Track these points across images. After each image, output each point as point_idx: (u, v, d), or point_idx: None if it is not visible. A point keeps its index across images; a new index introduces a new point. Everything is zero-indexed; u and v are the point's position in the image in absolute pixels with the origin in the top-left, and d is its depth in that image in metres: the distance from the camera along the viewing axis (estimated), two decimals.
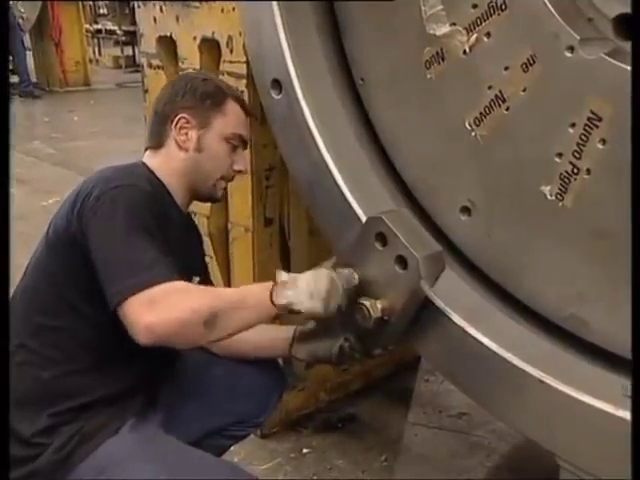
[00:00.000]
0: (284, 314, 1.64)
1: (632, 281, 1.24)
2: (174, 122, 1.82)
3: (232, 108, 1.87)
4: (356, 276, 1.71)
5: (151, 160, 1.84)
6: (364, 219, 1.82)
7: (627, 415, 1.43)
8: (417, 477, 2.41)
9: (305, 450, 2.58)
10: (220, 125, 1.84)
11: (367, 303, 1.70)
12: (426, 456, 2.54)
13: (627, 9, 1.46)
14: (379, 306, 1.70)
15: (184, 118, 1.81)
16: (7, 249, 1.44)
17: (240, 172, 1.93)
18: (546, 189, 1.61)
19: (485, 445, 2.53)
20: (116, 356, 1.69)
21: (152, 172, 1.80)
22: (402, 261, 1.68)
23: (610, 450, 1.49)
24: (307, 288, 1.60)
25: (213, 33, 2.37)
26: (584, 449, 1.54)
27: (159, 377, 1.86)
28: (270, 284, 1.61)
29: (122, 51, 14.29)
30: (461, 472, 2.42)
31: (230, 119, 1.86)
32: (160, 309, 1.45)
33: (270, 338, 2.00)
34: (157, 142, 1.85)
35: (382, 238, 1.71)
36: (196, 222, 2.15)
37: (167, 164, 1.82)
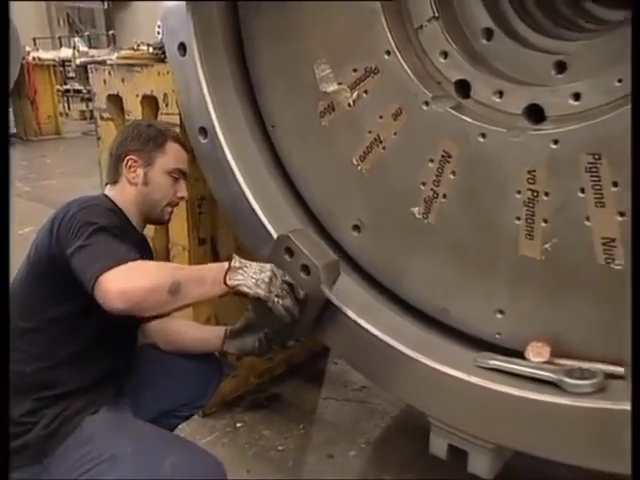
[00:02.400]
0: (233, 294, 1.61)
1: (632, 281, 1.14)
2: (124, 162, 1.80)
3: (172, 147, 1.85)
4: (287, 277, 1.68)
5: (110, 193, 1.82)
6: (275, 237, 1.82)
7: (477, 380, 1.48)
8: (328, 440, 2.43)
9: (238, 424, 2.55)
10: (162, 162, 1.82)
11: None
12: (335, 423, 2.55)
13: (464, 76, 1.55)
14: None
15: (132, 159, 1.80)
16: (7, 253, 1.37)
17: (183, 198, 1.90)
18: (415, 210, 1.66)
19: (380, 410, 2.55)
20: (86, 353, 1.66)
21: (112, 202, 1.78)
22: (306, 269, 1.70)
23: (465, 407, 1.53)
24: (254, 275, 1.60)
25: (152, 91, 2.35)
26: (447, 408, 1.57)
27: (124, 370, 1.82)
28: (225, 265, 1.59)
29: (87, 106, 13.90)
30: (362, 433, 2.44)
31: (170, 157, 1.84)
32: (130, 277, 1.44)
33: (206, 336, 1.98)
34: (113, 179, 1.84)
35: (290, 251, 1.72)
36: None
37: (122, 196, 1.80)
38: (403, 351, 1.63)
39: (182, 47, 1.99)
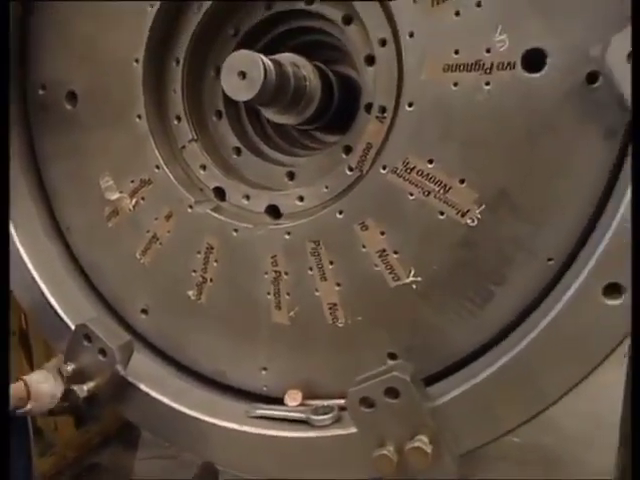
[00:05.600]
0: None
1: (632, 284, 1.03)
2: None
3: None
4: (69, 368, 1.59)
5: None
6: (73, 327, 1.68)
7: (247, 428, 1.48)
8: None
9: None
10: None
11: (75, 387, 1.57)
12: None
13: (219, 184, 1.61)
14: (85, 388, 1.58)
15: None
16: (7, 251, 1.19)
17: None
18: (190, 293, 1.64)
19: (189, 462, 2.41)
20: None
21: None
22: (103, 351, 1.60)
23: (241, 452, 1.52)
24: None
25: None
26: (227, 455, 1.55)
27: None
28: None
29: None
30: None
31: None
32: None
33: None
34: None
35: (88, 337, 1.61)
36: None
37: None
38: (188, 413, 1.58)
39: None
